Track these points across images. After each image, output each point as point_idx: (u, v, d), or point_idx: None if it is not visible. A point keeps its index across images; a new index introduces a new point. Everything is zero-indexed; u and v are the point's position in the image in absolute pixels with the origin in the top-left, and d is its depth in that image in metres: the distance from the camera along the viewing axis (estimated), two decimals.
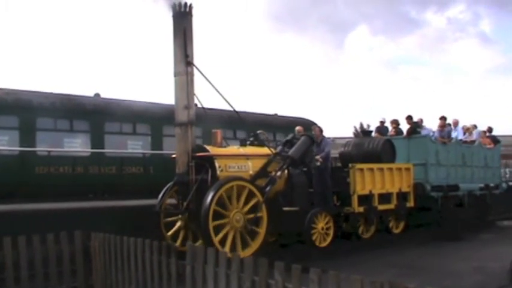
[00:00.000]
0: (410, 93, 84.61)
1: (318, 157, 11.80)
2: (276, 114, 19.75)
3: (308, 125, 18.37)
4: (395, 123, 15.73)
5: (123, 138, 14.73)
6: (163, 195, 10.58)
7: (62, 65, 73.11)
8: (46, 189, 11.74)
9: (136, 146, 15.04)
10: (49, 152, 12.63)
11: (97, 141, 13.68)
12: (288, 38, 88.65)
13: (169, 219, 10.70)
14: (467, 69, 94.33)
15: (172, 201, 10.74)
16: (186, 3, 10.48)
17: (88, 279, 7.34)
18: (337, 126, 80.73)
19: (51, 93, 13.29)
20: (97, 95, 15.00)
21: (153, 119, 14.90)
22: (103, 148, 13.78)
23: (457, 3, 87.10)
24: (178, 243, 10.22)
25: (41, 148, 12.50)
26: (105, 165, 13.62)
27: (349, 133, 41.53)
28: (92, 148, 13.57)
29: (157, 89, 67.81)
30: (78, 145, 13.57)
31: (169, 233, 10.52)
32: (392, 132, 15.65)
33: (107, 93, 15.47)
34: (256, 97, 76.28)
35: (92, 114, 13.79)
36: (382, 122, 16.44)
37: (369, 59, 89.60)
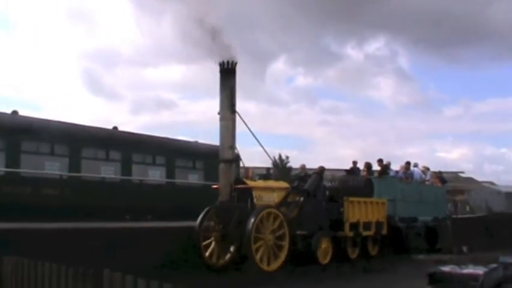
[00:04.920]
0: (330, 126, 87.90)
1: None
2: (196, 142, 21.15)
3: None
4: (367, 165, 18.95)
5: (40, 159, 15.10)
6: (203, 217, 13.00)
7: None
8: None
9: (53, 167, 15.47)
10: None
11: (12, 160, 13.97)
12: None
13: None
14: (386, 104, 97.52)
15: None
16: (232, 62, 13.16)
17: None
18: (256, 156, 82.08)
19: None
20: (15, 112, 15.32)
21: (72, 140, 15.49)
22: (19, 168, 14.11)
23: (375, 40, 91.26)
24: (213, 259, 12.77)
25: None
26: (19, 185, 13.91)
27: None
28: (7, 167, 13.85)
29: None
30: None
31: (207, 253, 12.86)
32: (364, 173, 18.83)
33: (26, 112, 16.15)
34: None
35: (9, 132, 14.14)
36: (355, 163, 19.60)
37: (289, 91, 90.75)
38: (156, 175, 19.19)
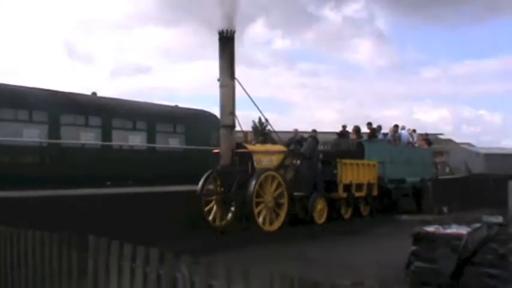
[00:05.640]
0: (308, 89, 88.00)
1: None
2: (176, 106, 21.29)
3: (208, 117, 20.61)
4: (356, 129, 19.44)
5: (18, 126, 14.91)
6: (204, 182, 13.38)
7: None
8: None
9: (32, 135, 15.30)
10: None
11: None
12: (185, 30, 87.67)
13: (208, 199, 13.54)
14: (364, 66, 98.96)
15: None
16: (231, 30, 13.43)
17: None
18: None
19: None
20: None
21: (51, 107, 15.29)
22: None
23: (353, 1, 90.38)
24: (217, 222, 13.30)
25: None
26: None
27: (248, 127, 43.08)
28: None
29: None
30: None
31: (210, 215, 13.37)
32: (353, 136, 19.35)
33: (1, 79, 15.57)
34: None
35: None
36: (344, 127, 20.12)
37: (267, 54, 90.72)
38: (136, 140, 19.05)
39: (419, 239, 7.47)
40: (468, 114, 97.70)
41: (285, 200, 13.35)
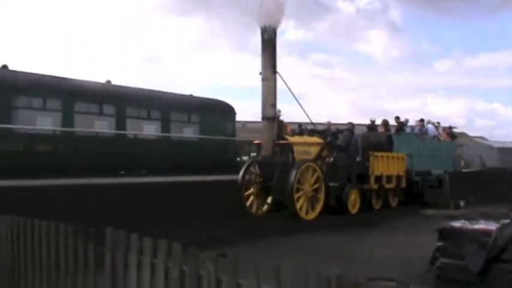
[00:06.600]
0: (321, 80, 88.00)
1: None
2: (191, 95, 20.99)
3: (223, 107, 20.62)
4: (384, 122, 19.97)
5: (32, 114, 14.72)
6: (244, 171, 14.07)
7: None
8: None
9: (46, 123, 15.07)
10: None
11: (4, 116, 13.72)
12: (196, 19, 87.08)
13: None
14: (377, 58, 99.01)
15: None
16: (273, 27, 13.93)
17: None
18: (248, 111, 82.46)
19: None
20: (4, 66, 14.84)
21: (65, 95, 15.13)
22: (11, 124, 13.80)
23: None
24: (254, 210, 13.86)
25: None
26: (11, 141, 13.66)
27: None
28: None
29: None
30: None
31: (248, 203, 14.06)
32: (382, 129, 19.84)
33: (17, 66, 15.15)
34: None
35: None
36: (373, 121, 20.61)
37: (281, 44, 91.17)
38: (151, 130, 18.71)
39: (445, 234, 7.26)
40: (481, 107, 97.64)
41: (322, 190, 13.88)
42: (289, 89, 14.22)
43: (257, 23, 13.98)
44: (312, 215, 13.64)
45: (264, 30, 13.94)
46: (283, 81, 14.09)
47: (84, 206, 11.14)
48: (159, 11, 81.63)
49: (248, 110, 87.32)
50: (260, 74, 13.99)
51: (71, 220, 5.24)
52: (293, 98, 14.50)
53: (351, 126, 16.67)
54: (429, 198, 18.67)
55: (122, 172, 16.35)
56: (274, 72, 13.94)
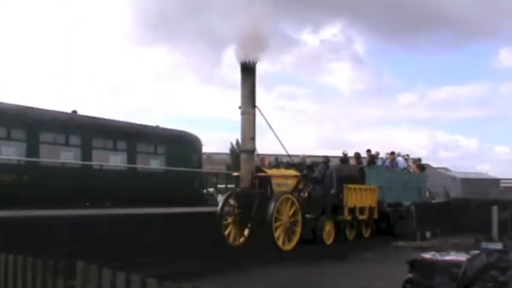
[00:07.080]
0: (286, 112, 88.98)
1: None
2: (157, 126, 21.10)
3: (189, 138, 20.92)
4: (356, 155, 20.58)
5: None
6: (223, 204, 14.45)
7: None
8: None
9: (10, 153, 14.96)
10: None
11: None
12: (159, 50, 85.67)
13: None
14: (342, 90, 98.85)
15: None
16: (253, 61, 14.34)
17: None
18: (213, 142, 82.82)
19: None
20: None
21: (30, 125, 15.11)
22: None
23: (331, 26, 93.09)
24: (231, 240, 14.15)
25: None
26: None
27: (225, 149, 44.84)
28: None
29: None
30: None
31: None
32: (354, 162, 20.42)
33: None
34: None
35: None
36: (345, 154, 21.26)
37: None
38: (117, 160, 18.57)
39: (416, 266, 7.19)
40: (444, 139, 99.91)
41: (299, 223, 14.24)
42: (268, 122, 14.66)
43: (236, 58, 14.38)
44: (288, 246, 13.94)
45: (243, 65, 14.34)
46: (262, 115, 14.53)
47: (51, 239, 10.96)
48: (125, 42, 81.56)
49: (213, 141, 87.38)
50: (239, 108, 14.34)
51: (38, 254, 5.09)
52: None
53: (326, 160, 17.15)
54: (399, 230, 19.24)
55: (87, 203, 16.24)
56: (254, 106, 14.33)
